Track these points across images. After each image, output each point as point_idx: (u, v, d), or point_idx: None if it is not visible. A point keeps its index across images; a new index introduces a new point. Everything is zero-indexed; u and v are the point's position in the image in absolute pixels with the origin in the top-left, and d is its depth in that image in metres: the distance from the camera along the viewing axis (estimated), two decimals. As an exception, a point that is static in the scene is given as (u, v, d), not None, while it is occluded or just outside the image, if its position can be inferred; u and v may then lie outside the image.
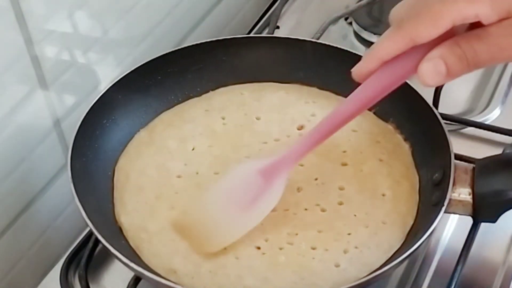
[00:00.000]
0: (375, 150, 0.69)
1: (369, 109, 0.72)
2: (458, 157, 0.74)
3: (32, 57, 0.66)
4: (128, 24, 0.78)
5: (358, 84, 0.56)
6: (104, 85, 0.72)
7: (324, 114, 0.63)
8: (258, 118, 0.73)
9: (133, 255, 0.61)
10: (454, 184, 0.60)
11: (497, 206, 0.60)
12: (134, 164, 0.69)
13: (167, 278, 0.59)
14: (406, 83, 0.58)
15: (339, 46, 0.74)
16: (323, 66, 0.75)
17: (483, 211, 0.61)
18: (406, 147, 0.69)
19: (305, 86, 0.76)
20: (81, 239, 0.69)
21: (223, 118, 0.73)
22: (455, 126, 0.79)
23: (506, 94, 0.84)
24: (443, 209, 0.59)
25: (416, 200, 0.65)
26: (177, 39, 0.86)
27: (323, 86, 0.75)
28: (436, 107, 0.78)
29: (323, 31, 0.89)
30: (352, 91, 0.57)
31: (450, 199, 0.60)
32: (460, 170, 0.62)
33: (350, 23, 0.94)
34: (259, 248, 0.61)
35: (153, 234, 0.63)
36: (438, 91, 0.78)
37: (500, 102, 0.82)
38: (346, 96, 0.59)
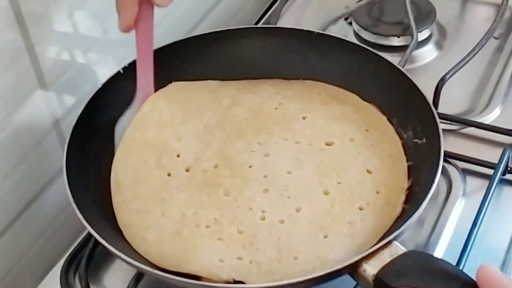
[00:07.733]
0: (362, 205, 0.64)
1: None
2: (459, 158, 0.74)
3: (32, 57, 0.66)
4: (128, 24, 0.78)
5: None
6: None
7: (363, 143, 0.67)
8: (304, 118, 0.71)
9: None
10: (370, 257, 0.55)
11: None
12: (186, 95, 0.74)
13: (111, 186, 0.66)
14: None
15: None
16: (400, 102, 0.71)
17: None
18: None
19: (378, 111, 0.72)
20: (81, 239, 0.69)
21: (280, 104, 0.73)
22: (455, 126, 0.79)
23: (506, 94, 0.83)
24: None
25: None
26: (176, 39, 0.86)
27: (390, 116, 0.71)
28: (436, 107, 0.78)
29: (323, 31, 0.88)
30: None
31: (358, 271, 0.55)
32: (390, 250, 0.56)
33: (350, 23, 0.94)
34: (183, 215, 0.63)
35: (134, 148, 0.69)
36: (438, 91, 0.78)
37: (500, 102, 0.82)
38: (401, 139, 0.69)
